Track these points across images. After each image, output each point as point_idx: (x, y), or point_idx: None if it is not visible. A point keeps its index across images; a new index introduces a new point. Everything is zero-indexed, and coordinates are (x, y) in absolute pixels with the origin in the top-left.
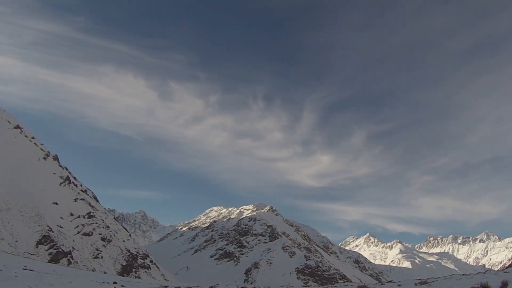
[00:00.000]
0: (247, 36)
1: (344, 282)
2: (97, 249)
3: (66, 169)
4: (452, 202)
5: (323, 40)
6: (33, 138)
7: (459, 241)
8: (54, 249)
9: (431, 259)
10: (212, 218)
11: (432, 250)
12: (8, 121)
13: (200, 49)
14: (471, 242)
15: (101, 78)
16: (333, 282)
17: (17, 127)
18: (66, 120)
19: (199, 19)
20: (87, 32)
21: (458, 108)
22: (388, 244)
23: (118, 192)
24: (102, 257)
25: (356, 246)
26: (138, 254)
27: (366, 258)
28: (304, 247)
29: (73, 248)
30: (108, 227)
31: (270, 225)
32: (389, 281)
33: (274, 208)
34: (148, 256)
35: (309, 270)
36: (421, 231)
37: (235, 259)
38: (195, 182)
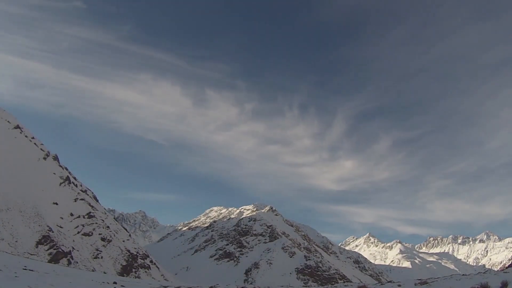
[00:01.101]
0: (291, 48)
1: (344, 282)
2: (97, 249)
3: (66, 169)
4: (463, 205)
5: (365, 52)
6: (33, 138)
7: (459, 241)
8: (54, 249)
9: (431, 259)
10: (212, 218)
11: (432, 250)
12: (8, 121)
13: (244, 60)
14: (471, 242)
15: (136, 85)
16: (333, 282)
17: (17, 127)
18: (90, 125)
19: (244, 31)
20: (129, 40)
21: (481, 116)
22: (388, 244)
23: (131, 195)
24: (102, 257)
25: (356, 246)
26: (138, 254)
27: (366, 258)
28: (304, 247)
29: (73, 248)
30: (108, 227)
31: (270, 225)
32: (389, 281)
33: (274, 208)
34: (148, 256)
35: (309, 270)
36: (429, 233)
37: (235, 259)
38: (214, 185)
